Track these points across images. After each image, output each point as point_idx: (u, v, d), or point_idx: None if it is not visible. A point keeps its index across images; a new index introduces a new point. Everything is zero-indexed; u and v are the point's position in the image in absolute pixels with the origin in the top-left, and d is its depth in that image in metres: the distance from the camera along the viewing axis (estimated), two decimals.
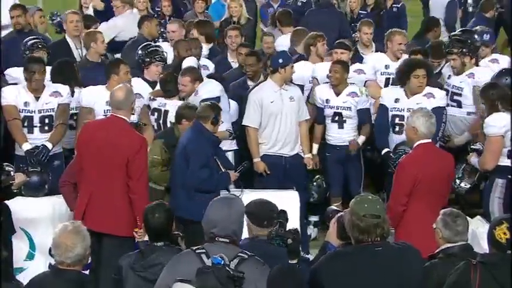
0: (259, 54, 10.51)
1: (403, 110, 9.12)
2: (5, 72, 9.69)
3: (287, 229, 5.66)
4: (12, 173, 7.77)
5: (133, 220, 7.36)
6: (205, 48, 11.04)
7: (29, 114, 8.91)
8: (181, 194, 8.21)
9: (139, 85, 9.40)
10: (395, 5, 14.05)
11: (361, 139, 9.58)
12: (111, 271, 6.33)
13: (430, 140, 7.47)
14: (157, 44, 10.68)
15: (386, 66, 10.51)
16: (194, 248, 5.22)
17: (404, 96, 9.17)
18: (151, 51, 9.83)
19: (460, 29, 10.71)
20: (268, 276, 5.11)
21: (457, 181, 8.75)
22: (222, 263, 4.96)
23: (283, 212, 5.76)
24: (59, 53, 10.30)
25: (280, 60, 9.40)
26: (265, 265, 5.18)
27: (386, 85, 10.34)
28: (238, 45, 10.98)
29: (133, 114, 8.07)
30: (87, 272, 5.68)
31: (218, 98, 9.10)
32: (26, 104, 8.93)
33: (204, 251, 5.13)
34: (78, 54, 10.89)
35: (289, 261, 5.63)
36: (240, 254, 5.12)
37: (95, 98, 9.07)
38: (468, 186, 8.83)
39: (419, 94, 9.11)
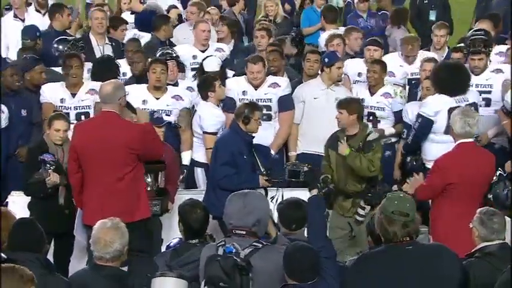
0: (281, 51, 10.28)
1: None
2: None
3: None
4: (50, 170, 7.84)
5: (137, 203, 7.25)
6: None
7: (65, 110, 8.91)
8: (210, 191, 8.21)
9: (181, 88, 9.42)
10: None
11: (389, 130, 9.41)
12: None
13: (471, 140, 7.37)
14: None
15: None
16: (218, 241, 5.35)
17: None
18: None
19: (478, 28, 10.30)
20: (285, 252, 5.17)
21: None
22: (234, 251, 5.05)
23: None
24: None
25: (326, 60, 9.49)
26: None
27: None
28: (268, 45, 10.52)
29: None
30: (125, 268, 5.74)
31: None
32: (62, 100, 9.05)
33: (223, 243, 5.23)
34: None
35: (310, 194, 5.82)
36: (254, 244, 5.17)
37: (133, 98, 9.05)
38: None
39: None
